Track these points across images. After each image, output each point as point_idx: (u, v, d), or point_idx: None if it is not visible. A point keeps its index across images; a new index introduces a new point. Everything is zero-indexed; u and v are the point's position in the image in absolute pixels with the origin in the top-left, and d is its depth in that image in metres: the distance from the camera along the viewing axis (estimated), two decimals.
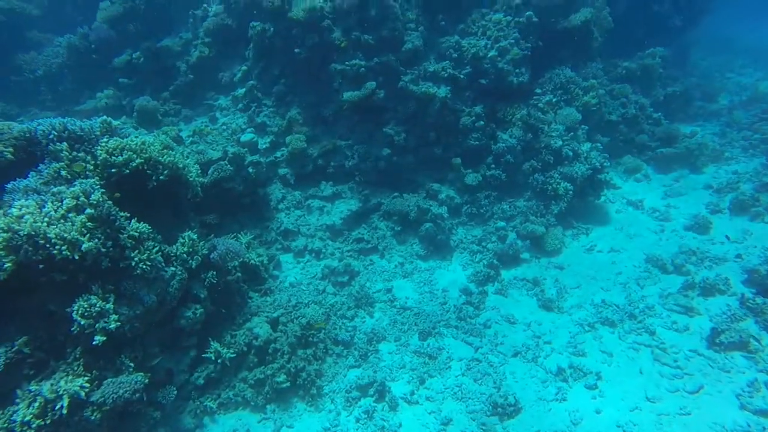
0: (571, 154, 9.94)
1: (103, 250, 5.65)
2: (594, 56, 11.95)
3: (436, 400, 6.65)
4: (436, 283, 8.98)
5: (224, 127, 10.60)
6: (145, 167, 6.76)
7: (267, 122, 10.62)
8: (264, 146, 10.32)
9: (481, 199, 10.30)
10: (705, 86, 15.69)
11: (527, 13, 10.89)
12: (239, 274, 8.03)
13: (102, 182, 6.29)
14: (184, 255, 6.92)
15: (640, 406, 6.08)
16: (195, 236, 7.21)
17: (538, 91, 10.92)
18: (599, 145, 10.67)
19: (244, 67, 10.99)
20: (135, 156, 6.60)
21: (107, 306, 5.59)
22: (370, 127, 10.66)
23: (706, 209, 9.82)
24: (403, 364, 7.32)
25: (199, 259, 7.09)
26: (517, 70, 10.62)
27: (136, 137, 6.92)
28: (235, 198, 9.12)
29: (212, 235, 8.62)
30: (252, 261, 8.39)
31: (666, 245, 9.03)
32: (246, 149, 9.39)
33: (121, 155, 6.48)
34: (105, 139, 6.48)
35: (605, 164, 9.91)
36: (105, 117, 6.93)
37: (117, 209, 6.13)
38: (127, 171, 6.51)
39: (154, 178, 6.81)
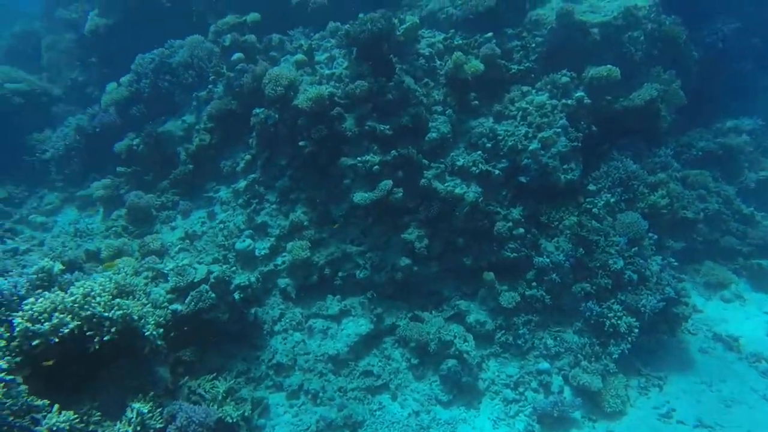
0: (635, 277, 7.84)
1: None
2: (662, 140, 9.84)
3: None
4: None
5: (221, 226, 9.33)
6: (85, 328, 5.46)
7: (268, 222, 9.25)
8: (263, 252, 8.92)
9: (519, 325, 8.35)
10: None
11: (577, 95, 9.04)
12: None
13: (16, 361, 5.02)
14: None
15: None
16: (146, 408, 5.80)
17: (592, 188, 8.93)
18: (672, 260, 8.50)
19: (248, 157, 9.77)
20: (70, 318, 5.31)
21: None
22: (386, 231, 9.04)
23: None
24: None
25: None
26: (564, 166, 8.73)
27: (78, 287, 5.63)
28: (219, 326, 7.73)
29: (186, 378, 7.24)
30: (228, 418, 6.87)
31: None
32: (234, 269, 8.02)
33: (50, 320, 5.21)
34: (30, 301, 5.24)
35: (683, 292, 7.74)
36: (44, 264, 5.70)
37: (29, 399, 4.83)
38: (56, 340, 5.22)
39: (96, 339, 5.50)
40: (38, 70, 15.00)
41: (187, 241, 8.99)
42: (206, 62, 10.57)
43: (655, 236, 8.52)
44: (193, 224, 9.50)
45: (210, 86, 10.40)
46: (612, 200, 8.71)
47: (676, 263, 8.54)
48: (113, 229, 9.32)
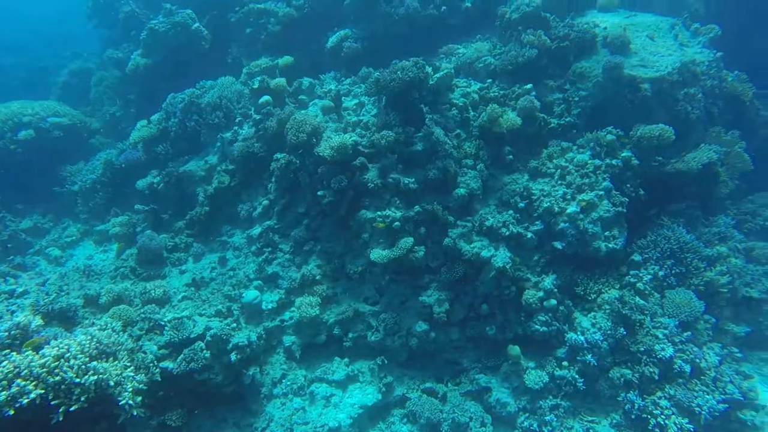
0: (688, 369, 6.72)
1: None
2: (721, 207, 8.77)
3: None
4: None
5: (231, 273, 8.88)
6: (50, 397, 4.94)
7: (279, 273, 8.71)
8: (270, 306, 8.34)
9: (546, 410, 7.29)
10: None
11: (624, 154, 8.22)
12: None
13: None
14: None
15: None
16: None
17: (637, 258, 7.93)
18: (735, 349, 7.30)
19: (266, 202, 9.37)
20: (33, 386, 4.80)
21: None
22: (404, 291, 8.30)
23: None
24: None
25: None
26: (607, 233, 7.82)
27: (53, 346, 5.17)
28: (212, 388, 7.10)
29: None
30: None
31: None
32: (234, 325, 7.45)
33: (9, 389, 4.72)
34: None
35: (751, 393, 6.53)
36: (19, 320, 5.28)
37: None
38: (12, 412, 4.71)
39: (62, 409, 4.96)
40: (85, 104, 15.56)
41: (193, 288, 8.54)
42: (234, 104, 10.44)
43: (714, 319, 7.38)
44: (203, 270, 9.08)
45: (236, 128, 10.21)
46: (660, 274, 7.69)
47: (739, 354, 7.31)
48: (121, 270, 9.02)
